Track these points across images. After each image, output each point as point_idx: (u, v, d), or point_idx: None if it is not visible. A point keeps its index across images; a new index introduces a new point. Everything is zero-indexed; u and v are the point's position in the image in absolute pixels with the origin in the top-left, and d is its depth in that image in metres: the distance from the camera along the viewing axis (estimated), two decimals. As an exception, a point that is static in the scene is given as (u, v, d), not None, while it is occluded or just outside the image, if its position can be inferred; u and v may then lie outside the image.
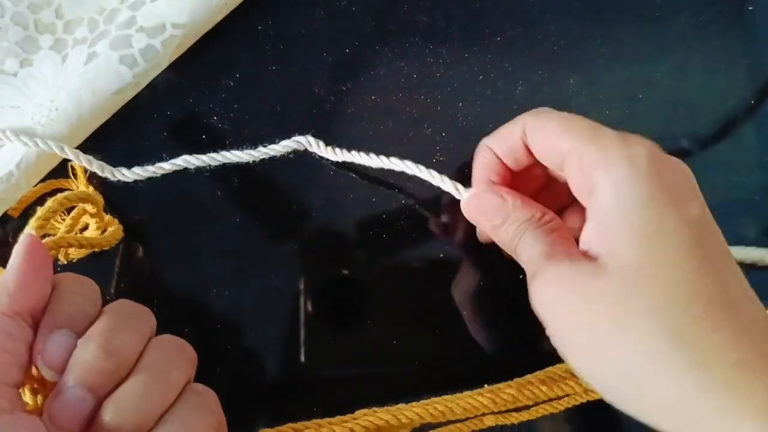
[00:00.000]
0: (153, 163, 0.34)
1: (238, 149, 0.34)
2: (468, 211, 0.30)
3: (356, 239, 0.35)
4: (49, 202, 0.29)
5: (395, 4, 0.38)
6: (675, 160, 0.26)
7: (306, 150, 0.34)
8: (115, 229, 0.34)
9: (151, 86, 0.35)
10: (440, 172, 0.36)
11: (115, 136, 0.35)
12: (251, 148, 0.34)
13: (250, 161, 0.34)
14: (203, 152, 0.35)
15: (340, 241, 0.35)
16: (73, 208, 0.33)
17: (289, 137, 0.36)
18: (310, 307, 0.35)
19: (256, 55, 0.37)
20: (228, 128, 0.36)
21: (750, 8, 0.38)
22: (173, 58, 0.35)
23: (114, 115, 0.35)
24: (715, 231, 0.25)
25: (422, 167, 0.32)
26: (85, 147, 0.35)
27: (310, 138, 0.34)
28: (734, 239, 0.36)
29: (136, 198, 0.35)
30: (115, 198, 0.35)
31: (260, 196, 0.35)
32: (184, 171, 0.35)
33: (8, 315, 0.24)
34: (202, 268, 0.35)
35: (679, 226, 0.24)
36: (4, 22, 0.35)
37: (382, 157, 0.33)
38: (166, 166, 0.34)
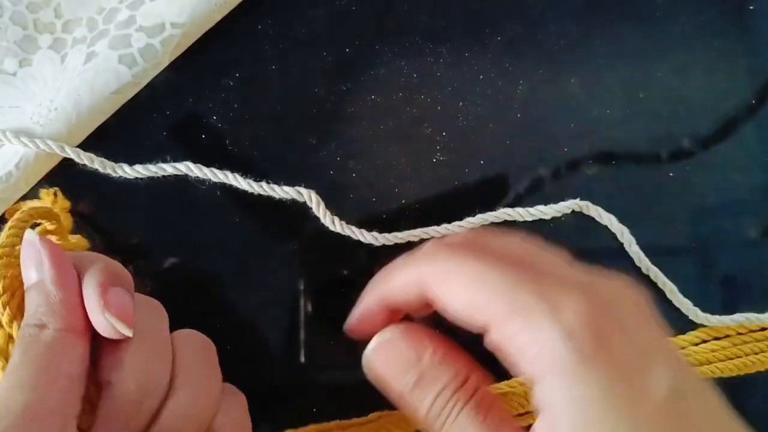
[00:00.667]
0: (151, 163, 0.34)
1: (242, 176, 0.34)
2: (372, 364, 0.23)
3: (356, 239, 0.35)
4: (10, 224, 0.26)
5: (395, 4, 0.38)
6: (620, 299, 0.20)
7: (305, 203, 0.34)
8: (75, 242, 0.32)
9: (151, 86, 0.35)
10: (440, 172, 0.36)
11: (115, 135, 0.35)
12: (255, 180, 0.34)
13: (248, 190, 0.34)
14: (203, 153, 0.35)
15: (340, 241, 0.35)
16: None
17: (289, 137, 0.36)
18: (310, 307, 0.35)
19: (256, 55, 0.37)
20: (228, 128, 0.36)
21: (750, 8, 0.38)
22: (173, 58, 0.35)
23: (113, 115, 0.35)
24: (697, 398, 0.19)
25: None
26: (85, 147, 0.34)
27: (313, 194, 0.34)
28: (734, 239, 0.36)
29: (136, 197, 0.35)
30: (113, 196, 0.35)
31: (260, 196, 0.34)
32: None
33: (65, 330, 0.22)
34: (201, 268, 0.35)
35: (638, 419, 0.18)
36: (3, 22, 0.35)
37: (387, 236, 0.34)
38: (168, 168, 0.34)
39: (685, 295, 0.35)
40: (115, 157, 0.34)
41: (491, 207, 0.36)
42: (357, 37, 0.37)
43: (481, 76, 0.37)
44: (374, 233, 0.34)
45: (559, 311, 0.19)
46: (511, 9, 0.38)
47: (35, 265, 0.23)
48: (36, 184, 0.34)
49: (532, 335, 0.19)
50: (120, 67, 0.34)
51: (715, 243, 0.36)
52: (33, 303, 0.22)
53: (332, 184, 0.36)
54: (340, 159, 0.36)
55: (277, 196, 0.34)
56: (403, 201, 0.36)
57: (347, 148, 0.36)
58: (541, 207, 0.35)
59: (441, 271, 0.22)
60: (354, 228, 0.34)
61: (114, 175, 0.33)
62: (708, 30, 0.38)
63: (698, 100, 0.37)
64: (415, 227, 0.35)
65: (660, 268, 0.35)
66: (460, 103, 0.37)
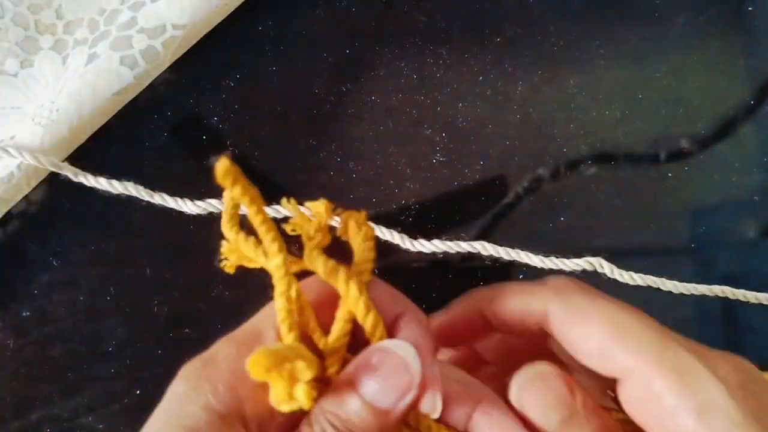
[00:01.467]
0: (152, 163, 0.34)
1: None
2: (523, 393, 0.21)
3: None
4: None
5: (395, 4, 0.38)
6: (747, 367, 0.20)
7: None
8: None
9: (152, 87, 0.35)
10: (440, 172, 0.36)
11: (116, 136, 0.35)
12: (545, 257, 0.34)
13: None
14: (204, 153, 0.35)
15: (340, 241, 0.35)
16: None
17: (289, 137, 0.36)
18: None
19: (256, 55, 0.37)
20: (228, 128, 0.36)
21: (750, 8, 0.38)
22: (173, 59, 0.35)
23: (114, 116, 0.35)
24: None
25: None
26: (86, 148, 0.35)
27: (604, 262, 0.34)
28: (734, 239, 0.37)
29: (136, 198, 0.35)
30: (113, 196, 0.35)
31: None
32: (184, 171, 0.35)
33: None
34: (202, 268, 0.35)
35: None
36: (4, 23, 0.35)
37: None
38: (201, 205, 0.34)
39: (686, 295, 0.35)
40: (117, 158, 0.34)
41: (490, 207, 0.36)
42: (357, 38, 0.37)
43: (481, 77, 0.37)
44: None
45: (717, 372, 0.19)
46: (511, 10, 0.38)
47: (395, 394, 0.19)
48: (37, 185, 0.35)
49: (691, 392, 0.19)
50: (121, 68, 0.34)
51: (715, 243, 0.36)
52: (358, 418, 0.19)
53: (332, 184, 0.36)
54: (340, 159, 0.36)
55: (568, 269, 0.34)
56: (403, 201, 0.36)
57: (347, 148, 0.36)
58: (554, 259, 0.34)
59: (576, 310, 0.21)
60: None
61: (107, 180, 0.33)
62: (707, 30, 0.38)
63: (697, 100, 0.37)
64: (414, 227, 0.35)
65: (660, 268, 0.35)
66: (460, 104, 0.37)
